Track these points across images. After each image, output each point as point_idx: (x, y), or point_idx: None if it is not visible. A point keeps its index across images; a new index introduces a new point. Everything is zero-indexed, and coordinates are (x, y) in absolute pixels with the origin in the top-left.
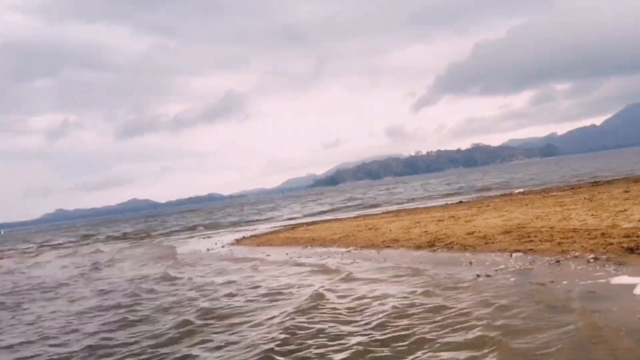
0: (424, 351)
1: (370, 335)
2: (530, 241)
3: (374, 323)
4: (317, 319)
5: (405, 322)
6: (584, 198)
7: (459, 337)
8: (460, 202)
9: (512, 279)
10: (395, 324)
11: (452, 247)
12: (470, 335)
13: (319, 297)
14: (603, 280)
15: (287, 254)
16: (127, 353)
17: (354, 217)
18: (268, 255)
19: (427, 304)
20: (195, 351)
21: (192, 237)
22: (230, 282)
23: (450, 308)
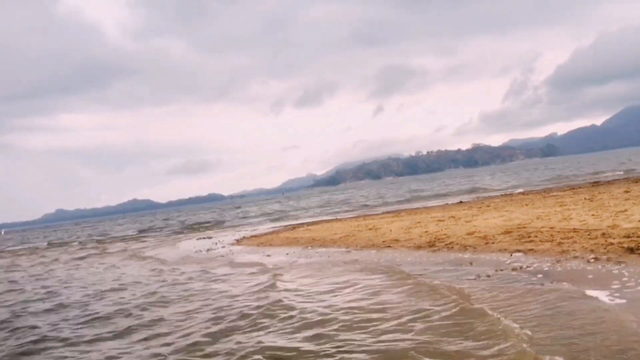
0: None
1: None
2: (531, 241)
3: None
4: None
5: None
6: (585, 198)
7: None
8: (461, 202)
9: (511, 279)
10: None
11: (452, 247)
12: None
13: None
14: (605, 282)
15: (287, 254)
16: None
17: (354, 217)
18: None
19: None
20: None
21: (190, 237)
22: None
23: None
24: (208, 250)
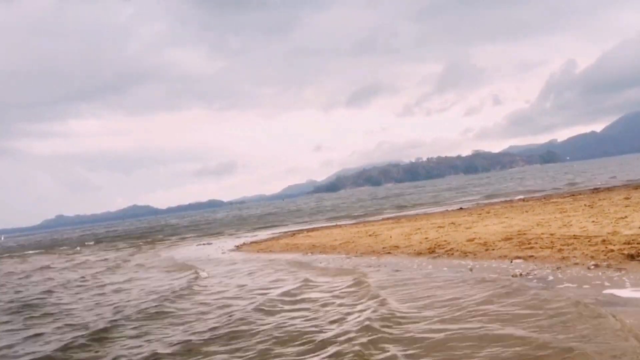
0: None
1: None
2: (531, 248)
3: None
4: None
5: None
6: (585, 205)
7: None
8: (461, 208)
9: (511, 285)
10: None
11: (452, 254)
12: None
13: None
14: (604, 288)
15: (287, 259)
16: None
17: (354, 224)
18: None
19: None
20: None
21: (192, 243)
22: None
23: None
24: (208, 256)
